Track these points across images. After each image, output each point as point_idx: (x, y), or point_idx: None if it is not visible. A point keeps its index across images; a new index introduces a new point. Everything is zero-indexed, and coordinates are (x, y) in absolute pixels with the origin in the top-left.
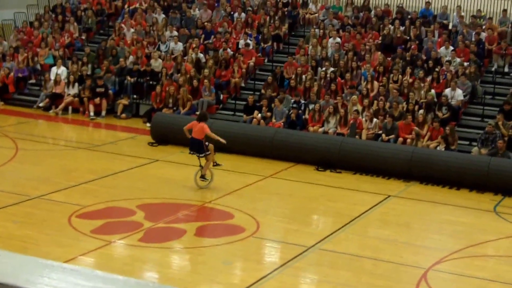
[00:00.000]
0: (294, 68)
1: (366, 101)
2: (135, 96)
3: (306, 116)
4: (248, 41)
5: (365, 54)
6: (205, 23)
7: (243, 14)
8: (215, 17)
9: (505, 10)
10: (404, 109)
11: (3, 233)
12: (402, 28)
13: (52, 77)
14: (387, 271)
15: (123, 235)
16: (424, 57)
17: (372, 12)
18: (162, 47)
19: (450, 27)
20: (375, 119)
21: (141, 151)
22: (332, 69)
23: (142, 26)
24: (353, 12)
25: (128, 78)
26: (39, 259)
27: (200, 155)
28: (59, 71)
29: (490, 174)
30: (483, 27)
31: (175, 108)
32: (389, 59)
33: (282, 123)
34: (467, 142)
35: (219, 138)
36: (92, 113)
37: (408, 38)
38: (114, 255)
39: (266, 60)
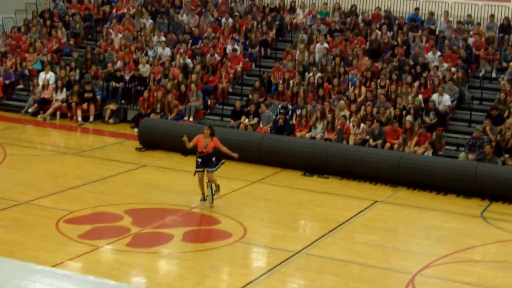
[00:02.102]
0: (281, 73)
1: (353, 106)
2: (123, 101)
3: (293, 121)
4: (236, 46)
5: (353, 59)
6: (193, 29)
7: (230, 20)
8: (203, 22)
9: (492, 16)
10: (392, 114)
11: None
12: (389, 33)
13: (40, 82)
14: (374, 276)
15: (110, 240)
16: (411, 63)
17: (360, 18)
18: (150, 53)
19: (437, 32)
20: (362, 125)
21: (128, 156)
22: (319, 74)
23: (130, 32)
24: (340, 18)
25: (113, 83)
26: (31, 264)
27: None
28: (47, 76)
29: (477, 179)
30: (471, 32)
31: (162, 114)
32: (377, 64)
33: (269, 128)
34: (455, 148)
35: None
36: (80, 118)
37: (395, 43)
38: (101, 260)
39: (253, 66)
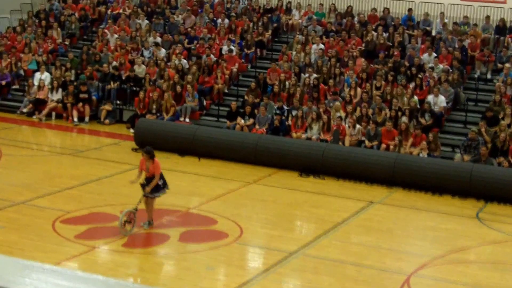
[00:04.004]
0: (277, 74)
1: (349, 108)
2: (118, 102)
3: (289, 122)
4: (232, 47)
5: (348, 60)
6: (189, 29)
7: (226, 20)
8: (199, 23)
9: (488, 17)
10: (387, 115)
11: None
12: (385, 35)
13: (36, 82)
14: (370, 277)
15: (107, 240)
16: (407, 64)
17: (356, 19)
18: (146, 53)
19: (433, 33)
20: (358, 126)
21: (124, 157)
22: (315, 75)
23: (125, 32)
24: (336, 19)
25: (111, 84)
26: (20, 260)
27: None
28: (43, 76)
29: (472, 180)
30: (468, 33)
31: (158, 114)
32: (372, 65)
33: (265, 130)
34: (450, 149)
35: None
36: (75, 119)
37: (391, 44)
38: (97, 261)
39: (249, 66)
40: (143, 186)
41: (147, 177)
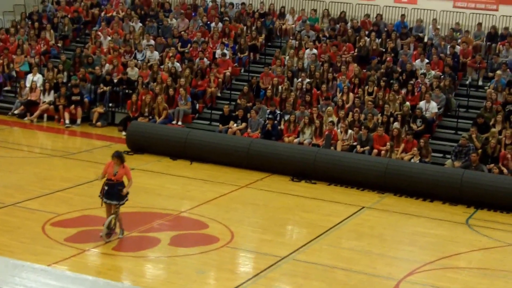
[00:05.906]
0: (270, 79)
1: (341, 113)
2: (110, 104)
3: (282, 126)
4: (225, 51)
5: (341, 65)
6: (182, 33)
7: (220, 24)
8: (192, 26)
9: (480, 24)
10: (379, 121)
11: None
12: (378, 41)
13: (28, 84)
14: (360, 282)
15: (97, 243)
16: (399, 70)
17: (349, 24)
18: (139, 56)
19: (425, 40)
20: (350, 131)
21: None
22: (308, 80)
23: (118, 34)
24: (330, 24)
25: (101, 86)
26: (10, 260)
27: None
28: (35, 78)
29: (463, 186)
30: (459, 40)
31: (150, 117)
32: (365, 71)
33: (258, 134)
34: (441, 155)
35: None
36: (67, 121)
37: (383, 50)
38: (87, 264)
39: (242, 70)
40: (104, 192)
41: (110, 183)
